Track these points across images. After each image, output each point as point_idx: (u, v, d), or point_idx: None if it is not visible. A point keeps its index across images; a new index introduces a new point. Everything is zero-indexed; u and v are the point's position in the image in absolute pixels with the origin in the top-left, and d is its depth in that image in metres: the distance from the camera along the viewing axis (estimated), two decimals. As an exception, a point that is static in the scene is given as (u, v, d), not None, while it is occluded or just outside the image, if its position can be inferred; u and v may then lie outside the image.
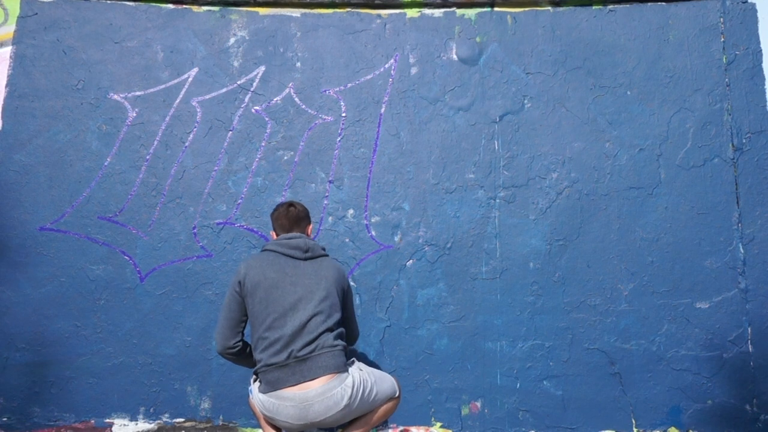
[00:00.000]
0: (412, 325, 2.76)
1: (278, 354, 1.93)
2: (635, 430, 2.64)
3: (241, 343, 2.08)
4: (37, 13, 3.01)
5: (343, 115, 2.94)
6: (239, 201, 2.87)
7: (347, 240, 2.83)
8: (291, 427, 1.94)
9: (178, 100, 2.95)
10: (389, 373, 2.72)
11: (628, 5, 3.00)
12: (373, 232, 2.84)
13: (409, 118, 2.93)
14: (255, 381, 2.05)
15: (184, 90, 2.96)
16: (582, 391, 2.68)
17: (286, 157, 2.91)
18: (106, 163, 2.88)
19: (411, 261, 2.81)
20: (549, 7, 3.02)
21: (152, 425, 2.69)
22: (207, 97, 2.96)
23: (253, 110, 2.95)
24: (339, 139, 2.92)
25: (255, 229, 2.84)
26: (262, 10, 3.05)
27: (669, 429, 2.63)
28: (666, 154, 2.84)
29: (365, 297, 2.79)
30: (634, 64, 2.93)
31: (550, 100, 2.92)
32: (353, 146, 2.91)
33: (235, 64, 2.99)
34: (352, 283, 2.79)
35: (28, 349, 2.73)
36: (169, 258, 2.81)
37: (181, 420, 2.70)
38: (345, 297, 2.14)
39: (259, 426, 2.68)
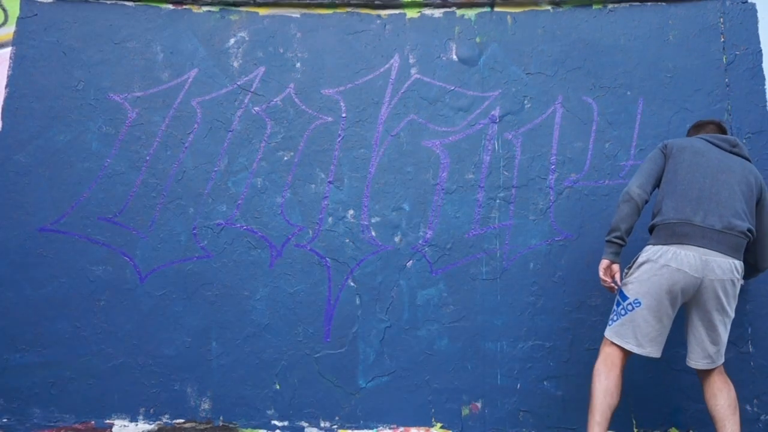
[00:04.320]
0: (412, 326, 2.76)
1: (693, 213, 2.07)
2: (635, 430, 2.64)
3: (649, 197, 2.21)
4: (37, 14, 3.01)
5: (343, 115, 2.94)
6: (239, 202, 2.87)
7: (347, 240, 2.83)
8: (682, 281, 2.03)
9: (178, 101, 2.95)
10: (390, 373, 2.73)
11: (628, 5, 3.00)
12: (373, 233, 2.84)
13: (409, 119, 2.93)
14: (649, 245, 2.17)
15: (184, 91, 2.96)
16: (582, 391, 2.67)
17: (286, 158, 2.91)
18: (106, 164, 2.88)
19: (411, 261, 2.81)
20: (549, 7, 3.02)
21: (152, 426, 2.69)
22: (207, 97, 2.96)
23: (253, 111, 2.95)
24: (339, 139, 2.92)
25: (255, 230, 2.84)
26: (262, 11, 3.05)
27: (669, 429, 2.63)
28: (666, 154, 2.83)
29: (365, 297, 2.79)
30: (634, 64, 2.93)
31: (550, 100, 2.92)
32: (353, 147, 2.91)
33: (235, 64, 2.99)
34: (351, 284, 2.79)
35: (28, 350, 2.73)
36: (169, 259, 2.81)
37: (182, 421, 2.70)
38: (760, 200, 2.21)
39: (258, 426, 2.68)
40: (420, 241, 2.83)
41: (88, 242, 2.82)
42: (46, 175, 2.86)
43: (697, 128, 2.47)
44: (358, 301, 2.78)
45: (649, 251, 2.14)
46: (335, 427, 2.69)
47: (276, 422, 2.69)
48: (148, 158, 2.90)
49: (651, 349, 2.11)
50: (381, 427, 2.69)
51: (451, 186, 2.87)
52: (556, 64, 2.95)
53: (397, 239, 2.84)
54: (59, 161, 2.88)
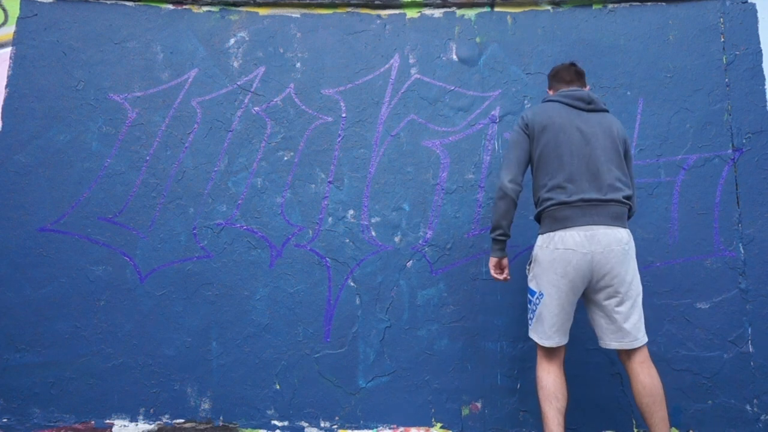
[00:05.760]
0: (412, 326, 2.76)
1: (569, 195, 2.08)
2: (635, 430, 2.64)
3: (521, 187, 2.20)
4: (37, 14, 3.01)
5: (343, 115, 2.94)
6: (239, 201, 2.87)
7: (347, 240, 2.83)
8: (574, 260, 2.04)
9: (178, 101, 2.95)
10: (390, 373, 2.73)
11: (628, 5, 3.00)
12: (373, 233, 2.84)
13: (409, 119, 2.93)
14: (540, 234, 2.18)
15: (184, 91, 2.96)
16: (582, 391, 2.68)
17: (286, 158, 2.91)
18: (106, 164, 2.88)
19: (411, 261, 2.81)
20: (549, 8, 3.02)
21: (152, 426, 2.69)
22: (207, 97, 2.96)
23: (253, 111, 2.95)
24: (339, 139, 2.92)
25: (255, 230, 2.84)
26: (262, 11, 3.05)
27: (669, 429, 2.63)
28: (666, 154, 2.84)
29: (365, 297, 2.79)
30: (634, 64, 2.93)
31: (550, 101, 2.92)
32: (353, 147, 2.91)
33: (235, 64, 2.99)
34: (351, 284, 2.79)
35: (28, 350, 2.73)
36: (169, 259, 2.81)
37: (182, 421, 2.70)
38: (626, 152, 2.24)
39: (258, 426, 2.68)
40: (420, 241, 2.83)
41: (88, 242, 2.82)
42: (46, 175, 2.86)
43: (554, 74, 2.40)
44: (358, 301, 2.78)
45: (540, 241, 2.18)
46: (335, 427, 2.69)
47: (276, 422, 2.69)
48: (148, 158, 2.90)
49: (558, 338, 2.12)
50: (381, 427, 2.69)
51: (451, 186, 2.87)
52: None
53: (397, 239, 2.83)
54: (59, 161, 2.88)
